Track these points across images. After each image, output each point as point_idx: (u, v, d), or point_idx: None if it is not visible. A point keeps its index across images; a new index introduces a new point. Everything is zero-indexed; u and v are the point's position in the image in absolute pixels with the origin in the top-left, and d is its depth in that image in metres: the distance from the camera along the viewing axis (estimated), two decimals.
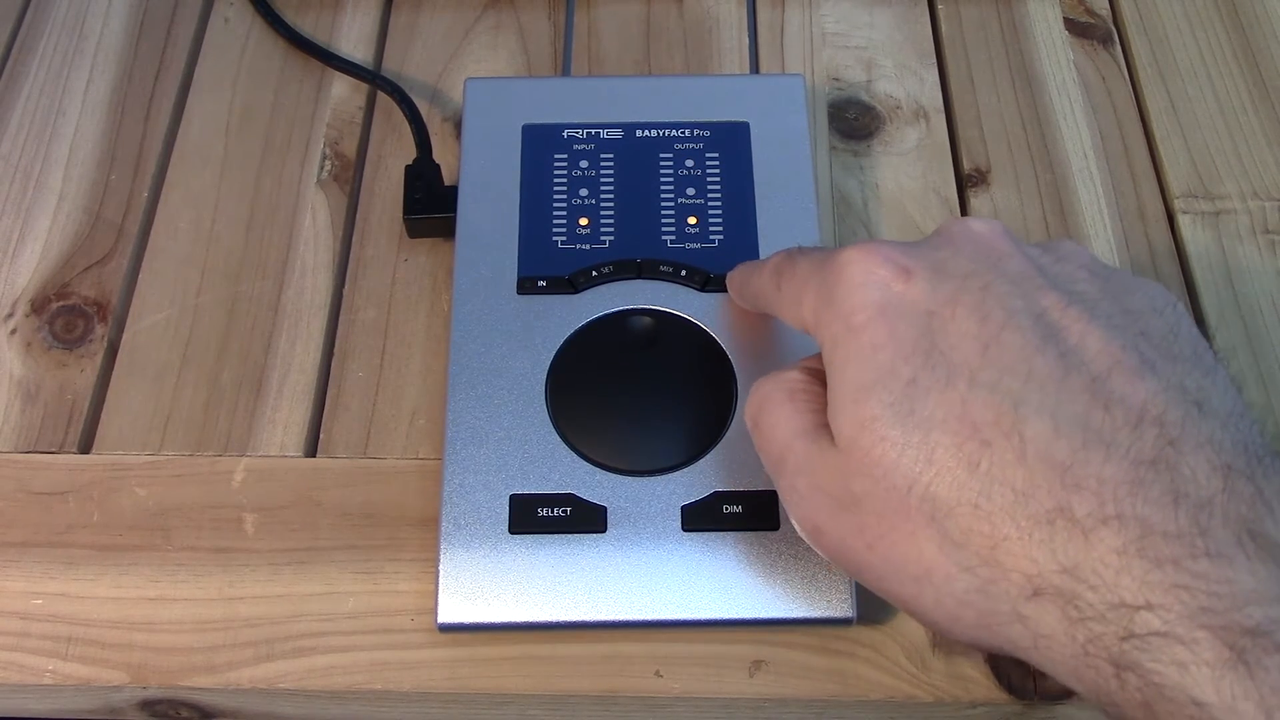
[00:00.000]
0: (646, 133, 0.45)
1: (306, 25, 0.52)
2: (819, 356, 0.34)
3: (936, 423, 0.29)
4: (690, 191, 0.43)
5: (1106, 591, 0.26)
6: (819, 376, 0.33)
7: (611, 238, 0.42)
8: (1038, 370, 0.29)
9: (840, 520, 0.31)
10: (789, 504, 0.33)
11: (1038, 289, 0.31)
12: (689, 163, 0.44)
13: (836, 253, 0.32)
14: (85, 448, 0.41)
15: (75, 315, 0.44)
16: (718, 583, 0.36)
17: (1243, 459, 0.27)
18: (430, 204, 0.45)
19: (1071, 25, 0.53)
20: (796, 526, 0.33)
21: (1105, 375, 0.29)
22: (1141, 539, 0.26)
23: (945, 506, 0.28)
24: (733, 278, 0.40)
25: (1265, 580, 0.25)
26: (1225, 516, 0.26)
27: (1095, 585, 0.26)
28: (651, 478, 0.38)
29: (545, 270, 0.42)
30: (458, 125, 0.49)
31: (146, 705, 0.38)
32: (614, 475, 0.38)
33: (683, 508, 0.37)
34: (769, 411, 0.33)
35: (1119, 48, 0.52)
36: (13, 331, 0.44)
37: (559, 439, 0.39)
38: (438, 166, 0.47)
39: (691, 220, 0.43)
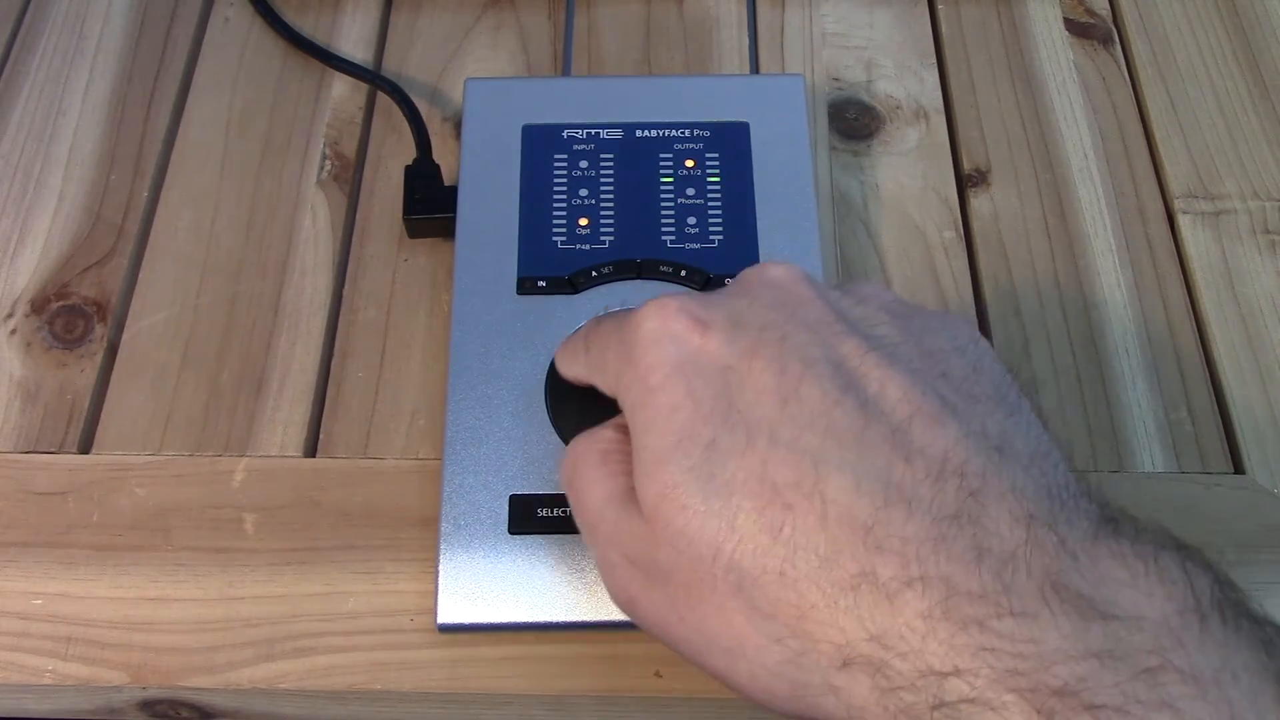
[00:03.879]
0: (646, 133, 0.45)
1: (306, 25, 0.52)
2: None
3: (737, 486, 0.27)
4: (690, 191, 0.43)
5: (915, 658, 0.25)
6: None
7: (611, 238, 0.42)
8: (837, 423, 0.28)
9: (651, 593, 0.30)
10: (603, 575, 0.32)
11: (836, 335, 0.29)
12: (689, 163, 0.44)
13: (635, 310, 0.31)
14: (85, 448, 0.41)
15: (75, 315, 0.44)
16: None
17: (1045, 505, 0.27)
18: (430, 204, 0.45)
19: (1071, 25, 0.53)
20: (611, 598, 0.32)
21: (906, 424, 0.28)
22: (946, 600, 0.25)
23: (751, 576, 0.27)
24: (558, 353, 0.37)
25: (1070, 636, 0.24)
26: (1029, 570, 0.25)
27: (903, 652, 0.25)
28: None
29: (545, 270, 0.42)
30: (458, 125, 0.49)
31: (146, 705, 0.38)
32: None
33: None
34: (581, 474, 0.32)
35: (1119, 48, 0.52)
36: (13, 331, 0.44)
37: (559, 439, 0.38)
38: (438, 166, 0.47)
39: (691, 220, 0.43)
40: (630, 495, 0.30)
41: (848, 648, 0.26)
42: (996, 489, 0.27)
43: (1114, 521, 0.27)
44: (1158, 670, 0.24)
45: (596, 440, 0.32)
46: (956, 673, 0.25)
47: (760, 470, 0.27)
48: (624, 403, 0.31)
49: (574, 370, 0.35)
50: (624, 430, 0.31)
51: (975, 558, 0.26)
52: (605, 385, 0.32)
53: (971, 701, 0.24)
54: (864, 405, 0.28)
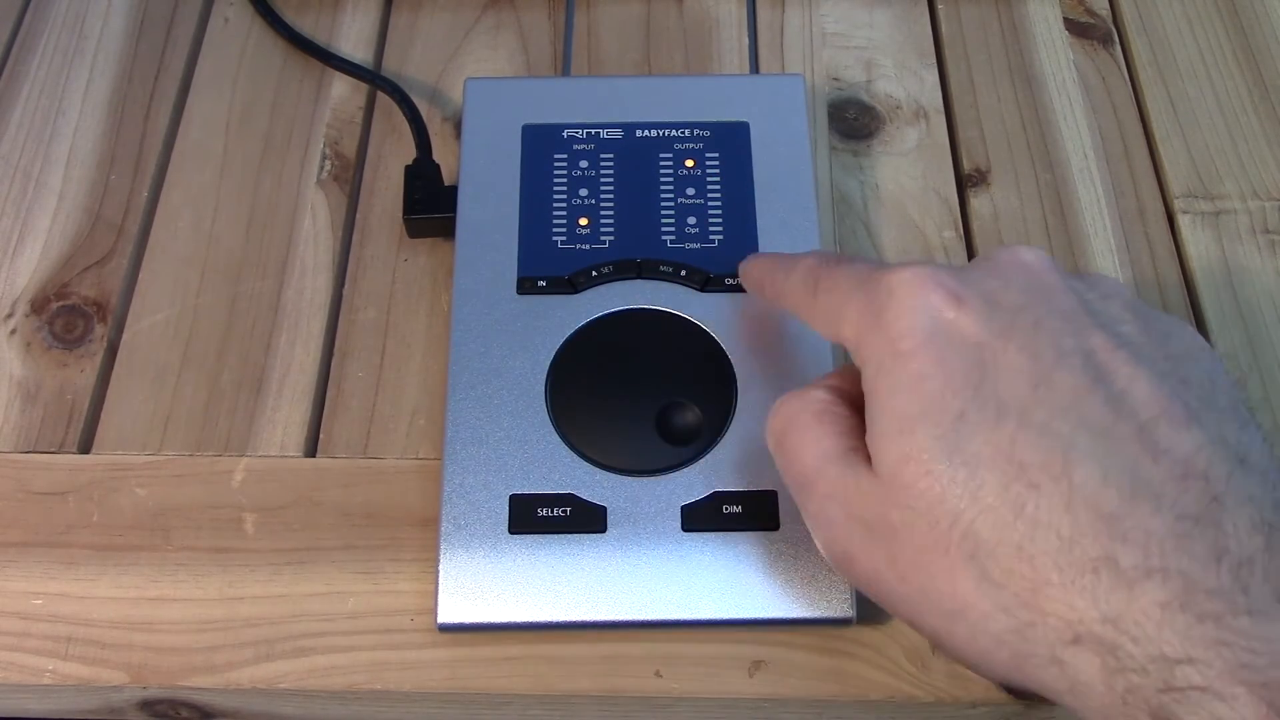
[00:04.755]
0: (646, 133, 0.45)
1: (306, 25, 0.52)
2: (841, 374, 0.34)
3: (984, 460, 0.28)
4: (690, 191, 0.43)
5: (1148, 644, 0.26)
6: (845, 396, 0.33)
7: (611, 238, 0.42)
8: (1087, 414, 0.29)
9: (872, 550, 0.31)
10: (816, 528, 0.33)
11: (1086, 328, 0.31)
12: (689, 163, 0.44)
13: (885, 271, 0.32)
14: (85, 448, 0.41)
15: (75, 315, 0.44)
16: (717, 583, 0.36)
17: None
18: (430, 204, 0.45)
19: (1071, 25, 0.53)
20: (822, 551, 0.33)
21: (1153, 424, 0.29)
22: (1185, 594, 0.26)
23: (987, 546, 0.28)
24: (749, 270, 0.39)
25: None
26: (1266, 574, 0.26)
27: (1137, 637, 0.26)
28: (651, 478, 0.38)
29: (545, 270, 0.42)
30: (458, 125, 0.49)
31: (146, 705, 0.38)
32: (614, 475, 0.38)
33: (682, 508, 0.37)
34: (795, 432, 0.33)
35: (1119, 48, 0.52)
36: (13, 331, 0.44)
37: (559, 439, 0.39)
38: (438, 166, 0.47)
39: (691, 220, 0.43)
40: (850, 455, 0.31)
41: (1079, 625, 0.27)
42: (1237, 496, 0.28)
43: None
44: None
45: (809, 400, 0.33)
46: (1189, 661, 0.26)
47: (1009, 448, 0.28)
48: (864, 361, 0.31)
49: (776, 299, 0.37)
50: (835, 392, 0.33)
51: (1215, 558, 0.27)
52: (829, 333, 0.33)
53: (1203, 690, 0.26)
54: (1112, 399, 0.29)
